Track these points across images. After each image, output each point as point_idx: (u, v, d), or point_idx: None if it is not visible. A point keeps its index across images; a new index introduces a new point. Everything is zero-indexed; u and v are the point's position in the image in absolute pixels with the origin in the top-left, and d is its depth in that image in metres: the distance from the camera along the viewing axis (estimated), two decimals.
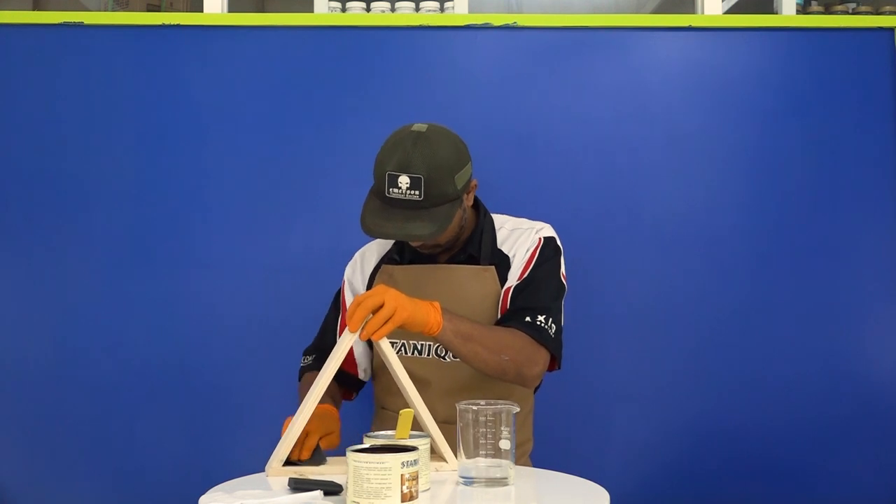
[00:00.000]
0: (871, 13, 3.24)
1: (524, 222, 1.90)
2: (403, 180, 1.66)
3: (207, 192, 2.38)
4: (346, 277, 1.96)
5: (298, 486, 1.43)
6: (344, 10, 3.12)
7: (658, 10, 3.73)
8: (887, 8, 3.29)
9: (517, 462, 1.62)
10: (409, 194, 1.67)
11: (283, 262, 2.36)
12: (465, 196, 1.78)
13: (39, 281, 2.36)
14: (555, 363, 1.81)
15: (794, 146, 2.40)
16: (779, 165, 2.39)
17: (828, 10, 3.32)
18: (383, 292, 1.56)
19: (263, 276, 2.36)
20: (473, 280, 1.82)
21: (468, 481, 1.49)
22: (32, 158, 2.38)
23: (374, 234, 1.70)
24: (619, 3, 4.09)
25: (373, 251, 1.96)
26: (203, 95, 2.40)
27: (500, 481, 1.48)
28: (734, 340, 2.35)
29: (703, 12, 2.55)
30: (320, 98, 2.40)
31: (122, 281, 2.36)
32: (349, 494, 1.32)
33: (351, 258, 1.98)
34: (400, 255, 1.89)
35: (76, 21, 2.40)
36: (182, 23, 2.42)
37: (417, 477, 1.33)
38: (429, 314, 1.60)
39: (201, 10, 2.53)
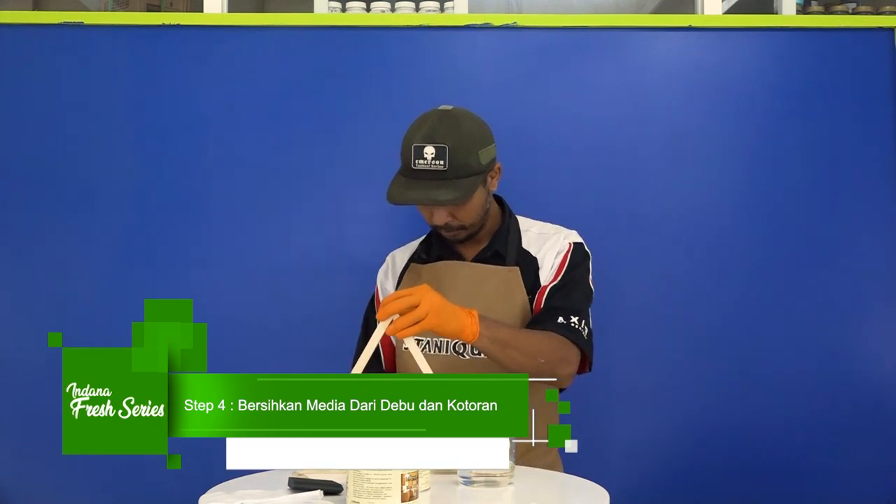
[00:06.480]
0: (871, 13, 3.24)
1: (551, 227, 1.92)
2: (429, 150, 1.72)
3: (207, 192, 2.38)
4: (378, 282, 1.97)
5: (298, 485, 1.43)
6: (344, 10, 3.11)
7: (658, 10, 3.72)
8: (887, 8, 3.29)
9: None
10: (434, 164, 1.72)
11: (283, 262, 2.36)
12: (489, 177, 1.82)
13: (40, 280, 2.36)
14: (585, 365, 1.82)
15: (794, 146, 2.40)
16: (778, 165, 2.39)
17: (828, 10, 3.31)
18: (423, 293, 1.55)
19: (263, 276, 2.35)
20: (495, 279, 1.83)
21: (468, 481, 1.49)
22: (32, 159, 2.38)
23: (398, 202, 1.74)
24: (619, 3, 4.08)
25: (403, 252, 1.97)
26: (203, 95, 2.40)
27: (500, 481, 1.48)
28: (734, 340, 2.35)
29: (703, 12, 2.55)
30: (320, 98, 2.40)
31: (123, 280, 2.35)
32: (349, 494, 1.32)
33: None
34: (427, 253, 1.91)
35: (76, 21, 2.40)
36: (182, 23, 2.42)
37: (417, 477, 1.33)
38: (464, 323, 1.59)
39: (201, 10, 2.53)
